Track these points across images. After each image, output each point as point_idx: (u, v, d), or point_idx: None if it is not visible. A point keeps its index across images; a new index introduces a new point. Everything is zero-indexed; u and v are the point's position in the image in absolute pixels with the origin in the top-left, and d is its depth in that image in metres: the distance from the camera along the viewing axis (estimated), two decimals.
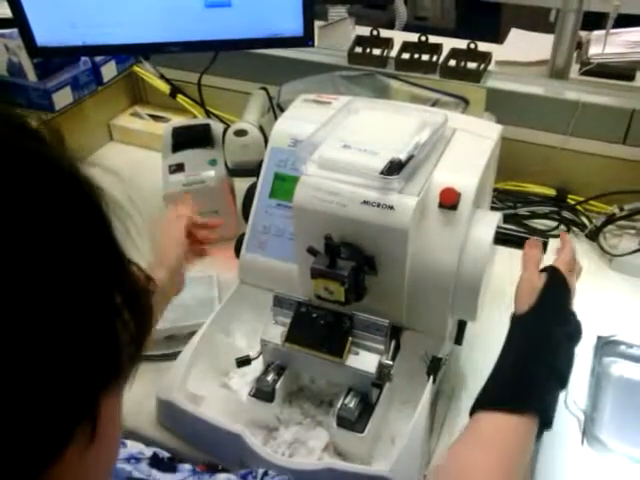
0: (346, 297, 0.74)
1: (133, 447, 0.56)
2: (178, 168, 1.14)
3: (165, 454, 0.57)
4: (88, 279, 0.32)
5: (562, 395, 0.78)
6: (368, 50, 1.31)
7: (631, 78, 1.25)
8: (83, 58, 1.38)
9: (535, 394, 0.64)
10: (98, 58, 1.41)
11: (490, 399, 0.65)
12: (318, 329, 0.77)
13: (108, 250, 0.35)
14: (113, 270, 0.35)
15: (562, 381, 0.67)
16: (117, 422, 0.38)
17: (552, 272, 0.72)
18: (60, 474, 0.32)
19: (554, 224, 1.19)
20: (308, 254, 0.80)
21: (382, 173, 0.74)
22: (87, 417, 0.33)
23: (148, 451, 0.56)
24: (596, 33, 1.37)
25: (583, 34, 1.34)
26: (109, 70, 1.45)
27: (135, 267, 0.38)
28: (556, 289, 0.71)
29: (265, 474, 0.55)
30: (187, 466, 0.56)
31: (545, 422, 0.64)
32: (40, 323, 0.29)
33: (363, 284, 0.77)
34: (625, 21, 1.25)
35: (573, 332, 0.70)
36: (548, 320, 0.69)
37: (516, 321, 0.70)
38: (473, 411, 0.65)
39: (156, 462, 0.55)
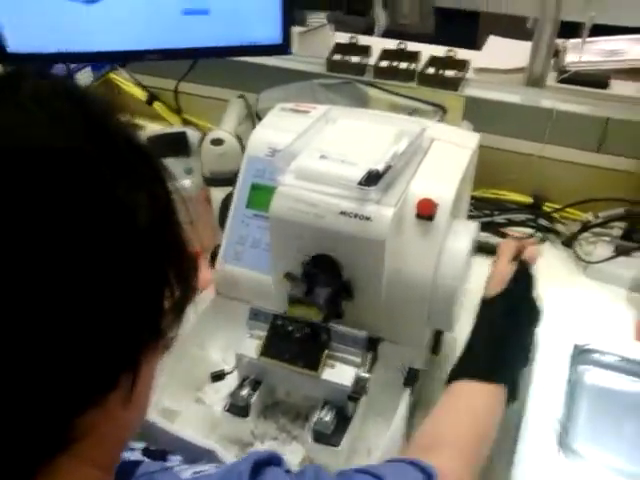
0: (323, 321, 0.76)
1: None
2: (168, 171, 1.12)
3: (154, 448, 0.60)
4: (147, 245, 0.36)
5: (538, 404, 0.79)
6: (347, 58, 1.31)
7: (605, 86, 1.26)
8: (59, 64, 1.35)
9: (506, 368, 0.71)
10: (73, 64, 1.39)
11: (465, 370, 0.71)
12: (294, 342, 0.76)
13: (169, 220, 0.40)
14: (170, 239, 0.39)
15: (526, 360, 0.75)
16: (150, 387, 0.42)
17: (521, 264, 0.79)
18: (103, 418, 0.37)
19: (531, 231, 1.19)
20: (284, 265, 0.80)
21: (360, 184, 0.74)
22: (130, 367, 0.37)
23: (139, 444, 0.59)
24: (572, 41, 1.38)
25: (559, 42, 1.35)
26: (85, 77, 1.43)
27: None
28: (523, 279, 0.79)
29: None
30: (178, 457, 0.58)
31: (512, 395, 0.70)
32: (99, 281, 0.33)
33: (340, 309, 0.78)
34: (601, 30, 1.26)
35: (535, 318, 0.78)
36: (516, 305, 0.76)
37: (487, 304, 0.77)
38: (449, 382, 0.71)
39: (148, 453, 0.58)
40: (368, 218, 0.73)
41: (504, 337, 0.73)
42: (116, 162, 0.36)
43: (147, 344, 0.39)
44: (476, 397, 0.69)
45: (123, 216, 0.35)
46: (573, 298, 1.03)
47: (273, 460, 0.53)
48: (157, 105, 1.41)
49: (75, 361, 0.33)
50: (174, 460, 0.59)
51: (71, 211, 0.32)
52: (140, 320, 0.37)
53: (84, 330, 0.33)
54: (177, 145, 1.17)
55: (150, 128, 1.37)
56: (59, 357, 0.33)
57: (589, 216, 1.13)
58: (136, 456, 0.57)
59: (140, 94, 1.41)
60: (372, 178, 0.74)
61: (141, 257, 0.36)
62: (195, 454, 0.74)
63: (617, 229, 1.11)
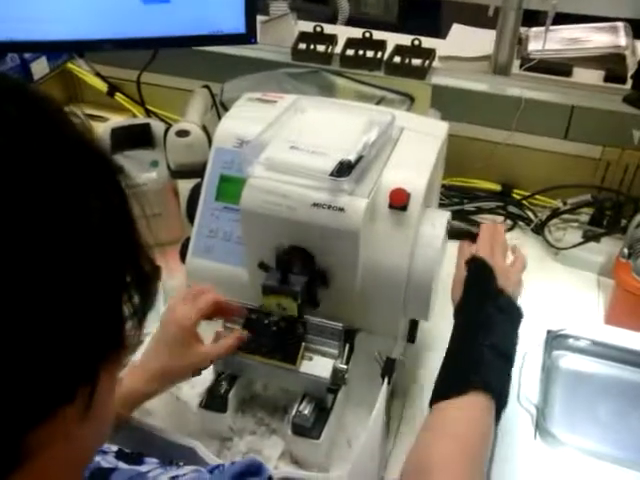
0: (299, 311, 0.74)
1: None
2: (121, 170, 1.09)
3: (129, 450, 0.57)
4: (101, 250, 0.34)
5: (514, 391, 0.80)
6: (312, 47, 1.30)
7: (569, 74, 1.28)
8: (10, 54, 1.30)
9: (474, 370, 0.66)
10: (27, 54, 1.33)
11: (436, 390, 0.68)
12: (270, 336, 0.75)
13: (123, 224, 0.37)
14: (126, 244, 0.37)
15: (505, 354, 0.69)
16: (111, 400, 0.40)
17: (471, 260, 0.77)
18: (57, 433, 0.34)
19: (500, 219, 1.20)
20: (258, 257, 0.79)
21: (332, 175, 0.73)
22: (88, 380, 0.35)
23: (114, 447, 0.57)
24: (535, 30, 1.39)
25: (522, 30, 1.36)
26: (40, 67, 1.37)
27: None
28: (477, 273, 0.75)
29: (232, 464, 0.55)
30: (153, 459, 0.56)
31: (498, 399, 0.65)
32: (54, 288, 0.31)
33: (316, 297, 0.77)
34: (562, 18, 1.27)
35: (504, 305, 0.72)
36: (474, 301, 0.73)
37: (454, 314, 0.75)
38: (430, 404, 0.67)
39: (122, 455, 0.56)
40: (341, 209, 0.73)
41: (468, 339, 0.70)
42: (63, 162, 0.33)
43: (106, 353, 0.36)
44: (454, 417, 0.65)
45: (72, 219, 0.33)
46: (544, 284, 1.04)
47: (251, 469, 0.52)
48: (119, 96, 1.37)
49: (27, 371, 0.31)
50: (150, 463, 0.56)
51: (13, 215, 0.30)
52: (97, 328, 0.35)
53: (36, 339, 0.31)
54: (141, 137, 1.15)
55: (113, 120, 1.34)
56: (9, 365, 0.30)
57: (558, 203, 1.15)
58: (109, 460, 0.55)
59: (101, 85, 1.37)
60: (344, 169, 0.73)
61: (94, 261, 0.34)
62: (175, 452, 0.73)
63: (585, 215, 1.13)
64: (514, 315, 0.73)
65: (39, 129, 0.33)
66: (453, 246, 0.85)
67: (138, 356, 0.75)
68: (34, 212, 0.31)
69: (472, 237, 0.81)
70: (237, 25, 1.10)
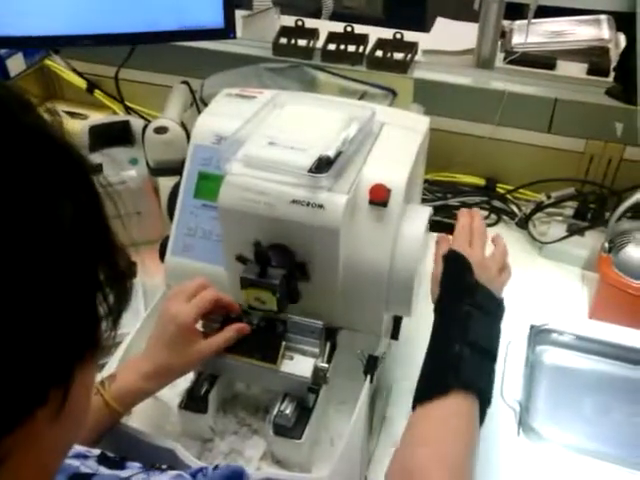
0: (279, 305, 0.72)
1: (80, 447, 0.55)
2: (96, 169, 1.08)
3: (112, 454, 0.56)
4: (73, 251, 0.33)
5: (497, 387, 0.79)
6: (293, 41, 1.28)
7: (552, 67, 1.27)
8: None
9: (453, 371, 0.65)
10: (2, 50, 1.31)
11: (418, 392, 0.67)
12: (250, 335, 0.74)
13: (96, 223, 0.36)
14: (99, 243, 0.36)
15: (485, 350, 0.68)
16: (86, 401, 0.39)
17: (446, 255, 0.75)
18: (28, 437, 0.33)
19: (485, 213, 1.20)
20: (237, 256, 0.77)
21: (310, 171, 0.72)
22: (62, 381, 0.34)
23: (96, 451, 0.55)
24: (518, 23, 1.39)
25: (506, 23, 1.36)
26: (16, 64, 1.35)
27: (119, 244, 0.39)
28: (452, 268, 0.74)
29: (215, 468, 0.55)
30: (136, 464, 0.55)
31: (481, 396, 0.65)
32: (24, 288, 0.30)
33: (296, 290, 0.75)
34: (545, 11, 1.26)
35: (482, 300, 0.70)
36: (451, 299, 0.71)
37: (434, 312, 0.73)
38: (413, 407, 0.66)
39: (104, 459, 0.54)
40: (321, 206, 0.71)
41: (445, 339, 0.68)
42: (31, 160, 0.32)
43: (81, 353, 0.35)
44: (436, 421, 0.64)
45: (42, 218, 0.32)
46: (529, 279, 1.03)
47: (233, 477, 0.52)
48: (98, 93, 1.35)
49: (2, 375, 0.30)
50: (132, 468, 0.55)
51: None
52: (71, 327, 0.34)
53: (7, 339, 0.30)
54: (121, 135, 1.13)
55: (93, 117, 1.32)
56: None
57: (542, 196, 1.14)
58: (90, 465, 0.54)
59: (79, 82, 1.35)
60: (323, 165, 0.72)
61: (65, 261, 0.33)
62: (154, 454, 0.72)
63: (569, 209, 1.13)
64: (493, 309, 0.71)
65: (3, 127, 0.32)
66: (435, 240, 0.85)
67: (136, 354, 0.74)
68: (2, 212, 0.30)
69: (451, 229, 0.79)
70: (216, 20, 1.08)
